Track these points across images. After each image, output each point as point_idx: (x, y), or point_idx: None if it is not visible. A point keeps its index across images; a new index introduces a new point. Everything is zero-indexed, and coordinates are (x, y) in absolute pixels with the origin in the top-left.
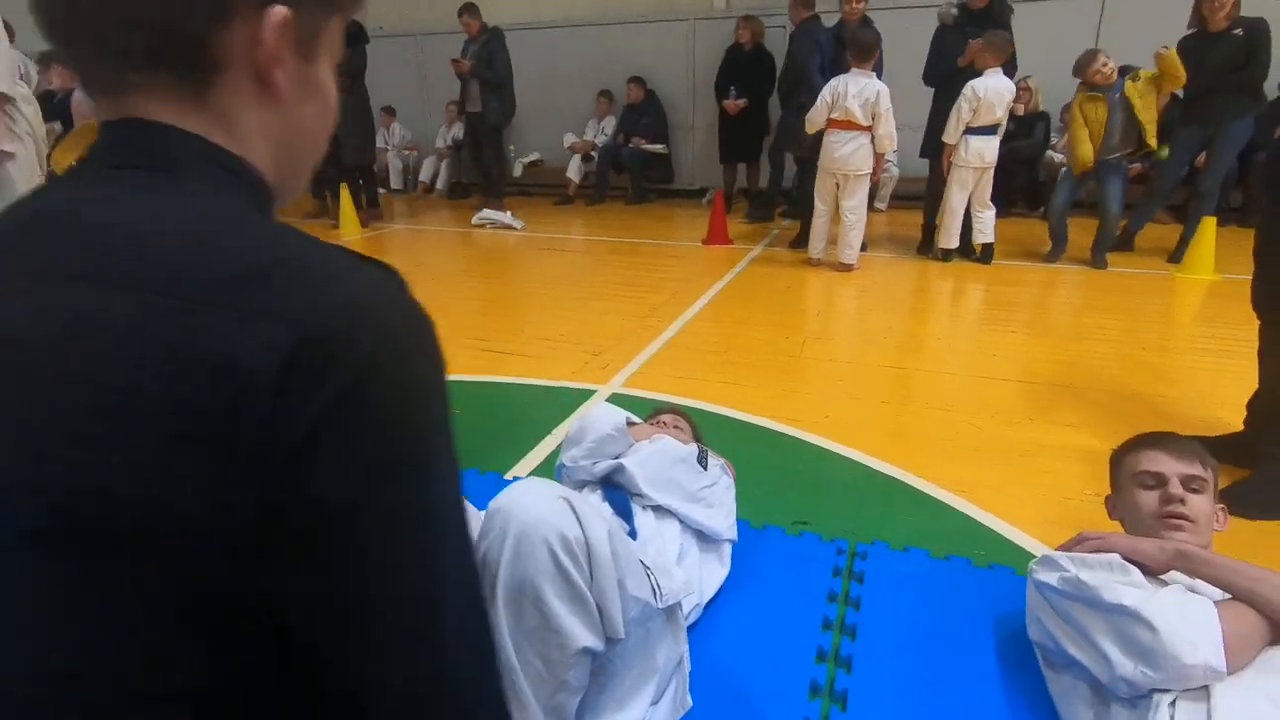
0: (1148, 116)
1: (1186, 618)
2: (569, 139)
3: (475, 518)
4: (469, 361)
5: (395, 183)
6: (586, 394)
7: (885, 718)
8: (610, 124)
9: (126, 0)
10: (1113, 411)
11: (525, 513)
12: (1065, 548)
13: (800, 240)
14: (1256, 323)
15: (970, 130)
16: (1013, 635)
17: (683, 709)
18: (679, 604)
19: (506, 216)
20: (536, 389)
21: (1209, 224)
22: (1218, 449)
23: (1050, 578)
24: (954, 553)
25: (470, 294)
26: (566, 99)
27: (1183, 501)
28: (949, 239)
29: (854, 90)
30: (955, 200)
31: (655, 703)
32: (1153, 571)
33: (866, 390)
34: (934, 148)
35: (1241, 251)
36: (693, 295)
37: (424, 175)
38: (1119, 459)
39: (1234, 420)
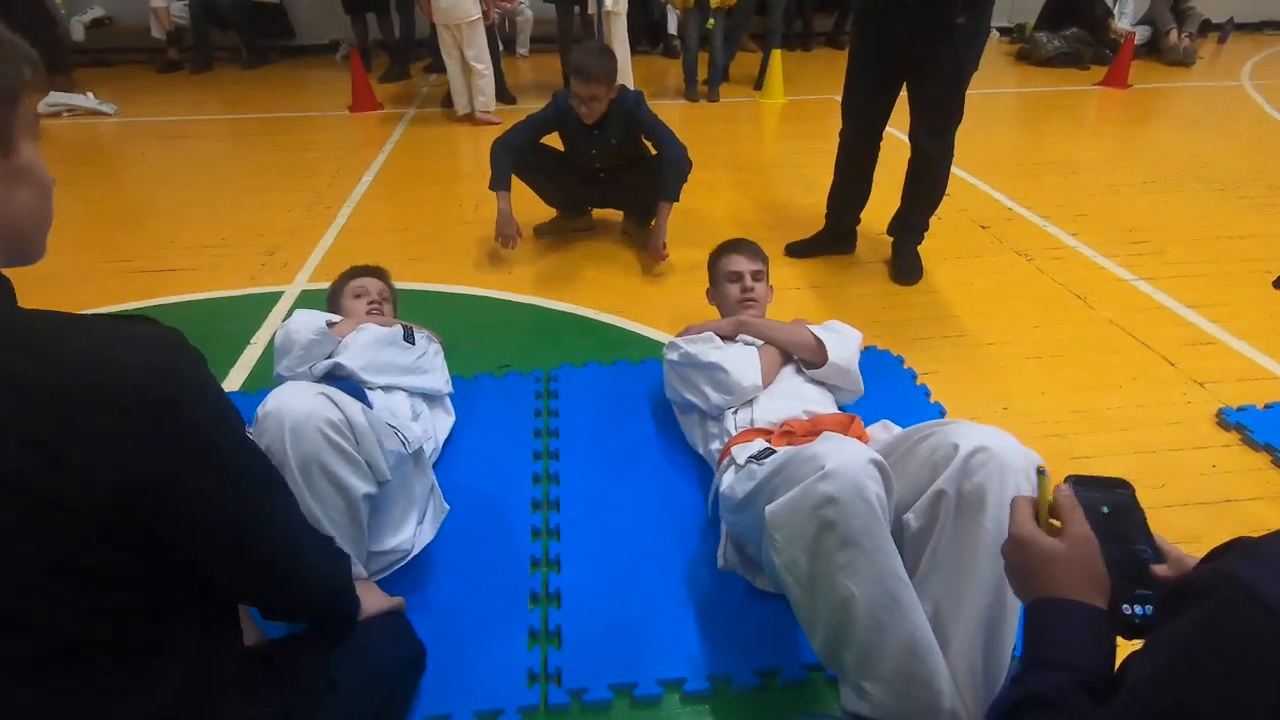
0: None
1: (744, 361)
2: None
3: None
4: (120, 288)
5: None
6: (275, 296)
7: (586, 477)
8: None
9: None
10: (725, 231)
11: (294, 409)
12: (679, 335)
13: (450, 99)
14: (816, 137)
15: None
16: (661, 402)
17: (443, 514)
18: (422, 448)
19: (87, 99)
20: (217, 302)
21: (776, 56)
22: (819, 245)
23: (673, 355)
24: (619, 358)
25: (83, 208)
26: None
27: (752, 290)
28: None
29: None
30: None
31: (420, 522)
32: (727, 336)
33: (536, 243)
34: None
35: (806, 76)
36: (357, 173)
37: None
38: (713, 262)
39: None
